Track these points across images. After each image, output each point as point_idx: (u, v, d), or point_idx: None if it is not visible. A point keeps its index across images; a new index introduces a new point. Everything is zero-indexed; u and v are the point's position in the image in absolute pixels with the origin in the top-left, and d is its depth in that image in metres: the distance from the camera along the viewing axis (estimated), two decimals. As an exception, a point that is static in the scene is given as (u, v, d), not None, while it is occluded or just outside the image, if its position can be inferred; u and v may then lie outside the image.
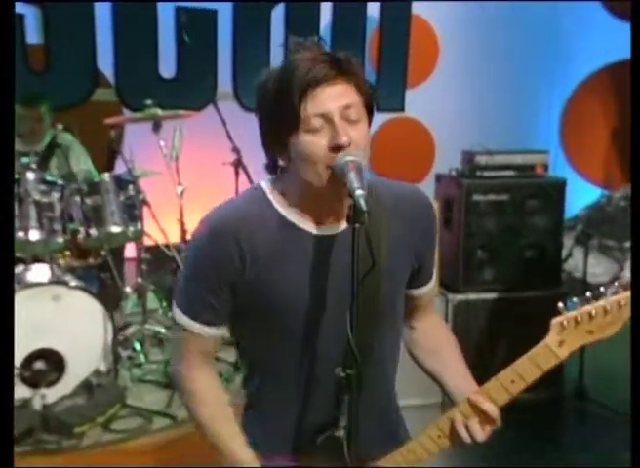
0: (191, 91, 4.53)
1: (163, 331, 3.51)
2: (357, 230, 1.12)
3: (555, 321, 1.25)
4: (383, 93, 5.12)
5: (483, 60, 5.33)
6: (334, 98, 1.21)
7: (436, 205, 3.82)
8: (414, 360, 1.51)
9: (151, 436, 2.85)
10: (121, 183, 3.29)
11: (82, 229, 3.20)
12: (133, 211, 3.28)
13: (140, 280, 3.57)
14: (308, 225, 1.31)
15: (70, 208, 3.15)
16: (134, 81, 4.63)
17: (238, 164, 3.51)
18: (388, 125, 5.19)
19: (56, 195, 3.06)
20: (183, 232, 3.71)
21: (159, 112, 3.51)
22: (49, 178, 3.09)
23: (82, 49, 4.57)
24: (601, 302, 1.22)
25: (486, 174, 3.83)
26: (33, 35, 4.60)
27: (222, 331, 1.36)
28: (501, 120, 5.28)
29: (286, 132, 1.23)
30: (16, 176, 2.97)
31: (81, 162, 3.82)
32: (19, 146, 3.71)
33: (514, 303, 3.80)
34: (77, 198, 3.18)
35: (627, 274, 4.26)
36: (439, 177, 4.05)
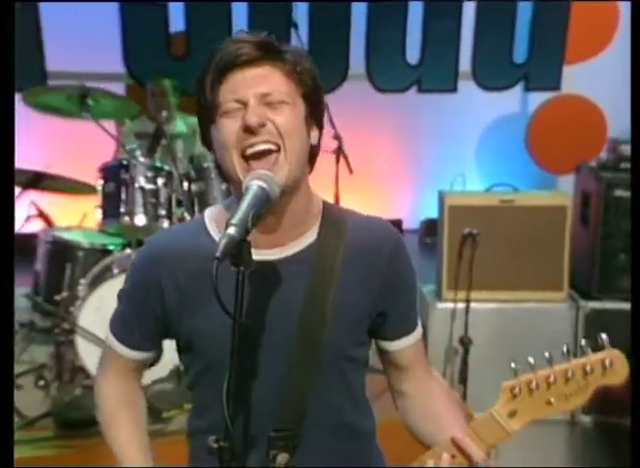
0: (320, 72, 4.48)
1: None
2: (240, 273, 0.95)
3: (505, 385, 0.99)
4: (536, 70, 4.83)
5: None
6: (251, 82, 1.10)
7: (570, 201, 3.39)
8: (409, 431, 1.26)
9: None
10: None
11: (188, 215, 3.23)
12: (234, 198, 3.25)
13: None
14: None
15: (177, 193, 3.19)
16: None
17: (339, 152, 3.38)
18: (550, 104, 4.75)
19: (161, 181, 3.11)
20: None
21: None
22: (156, 164, 3.14)
23: (220, 36, 4.66)
24: (563, 365, 0.96)
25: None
26: (178, 24, 4.81)
27: (147, 355, 1.30)
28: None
29: (207, 120, 1.14)
30: (124, 163, 3.06)
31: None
32: (146, 127, 3.84)
33: (660, 316, 3.29)
34: (184, 183, 3.22)
35: None
36: (579, 168, 3.59)
